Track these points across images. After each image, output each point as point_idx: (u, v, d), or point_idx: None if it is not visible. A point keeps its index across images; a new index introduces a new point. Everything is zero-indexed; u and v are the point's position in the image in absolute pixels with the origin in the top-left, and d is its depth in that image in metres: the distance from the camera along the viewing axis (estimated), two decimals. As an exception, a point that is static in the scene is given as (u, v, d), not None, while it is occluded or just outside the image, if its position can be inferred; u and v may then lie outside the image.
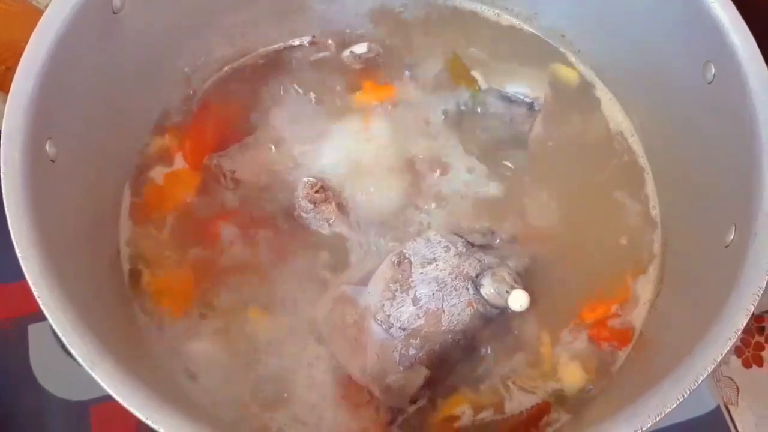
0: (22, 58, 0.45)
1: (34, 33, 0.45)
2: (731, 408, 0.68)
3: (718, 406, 0.66)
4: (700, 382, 0.40)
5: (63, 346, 0.60)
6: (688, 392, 0.40)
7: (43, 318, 0.62)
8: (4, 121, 0.43)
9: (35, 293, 0.39)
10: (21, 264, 0.40)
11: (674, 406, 0.39)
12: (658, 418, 0.39)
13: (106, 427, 0.61)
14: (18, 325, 0.64)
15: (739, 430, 0.67)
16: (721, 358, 0.40)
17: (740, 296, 0.41)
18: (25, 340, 0.63)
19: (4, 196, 0.41)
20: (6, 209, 0.41)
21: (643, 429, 0.39)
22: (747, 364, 0.73)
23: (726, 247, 0.45)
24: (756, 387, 0.71)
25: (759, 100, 0.45)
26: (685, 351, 0.42)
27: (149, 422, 0.36)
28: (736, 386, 0.71)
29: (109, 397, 0.59)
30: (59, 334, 0.39)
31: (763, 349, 0.73)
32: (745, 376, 0.72)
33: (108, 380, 0.37)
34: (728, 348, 0.40)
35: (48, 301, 0.39)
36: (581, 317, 0.56)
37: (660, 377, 0.41)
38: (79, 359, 0.38)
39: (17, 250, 0.40)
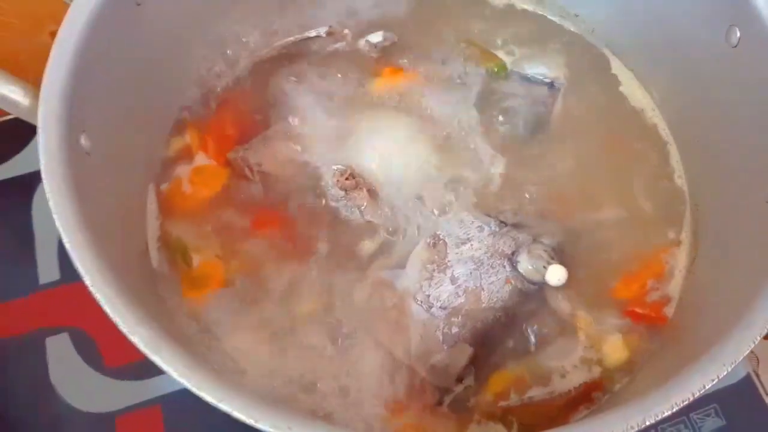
0: (52, 52, 0.44)
1: (62, 26, 0.45)
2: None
3: (748, 374, 0.66)
4: (752, 346, 0.39)
5: (85, 358, 0.61)
6: (740, 358, 0.39)
7: (62, 330, 0.62)
8: (39, 115, 0.42)
9: (87, 282, 0.38)
10: (68, 247, 0.39)
11: (724, 374, 0.38)
12: (710, 385, 0.38)
13: (133, 438, 0.59)
14: (35, 339, 0.62)
15: (769, 396, 0.67)
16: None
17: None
18: (43, 354, 0.61)
19: (46, 189, 0.40)
20: (49, 196, 0.40)
21: (695, 396, 0.38)
22: (764, 336, 0.74)
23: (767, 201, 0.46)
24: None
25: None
26: (730, 319, 0.42)
27: (223, 405, 0.35)
28: (756, 357, 0.72)
29: (134, 407, 0.59)
30: (117, 322, 0.37)
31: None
32: (764, 347, 0.73)
33: (174, 365, 0.36)
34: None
35: (101, 287, 0.37)
36: (616, 294, 0.55)
37: (705, 346, 0.41)
38: (141, 346, 0.36)
39: (64, 237, 0.39)
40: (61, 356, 0.61)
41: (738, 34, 0.50)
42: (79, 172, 0.42)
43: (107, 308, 0.37)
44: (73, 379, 0.60)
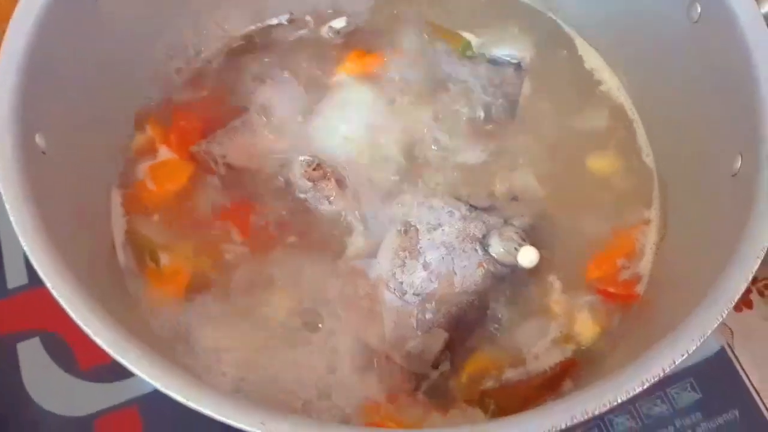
0: (2, 49, 0.43)
1: (11, 22, 0.44)
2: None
3: (722, 348, 0.67)
4: (720, 320, 0.39)
5: (58, 362, 0.60)
6: (708, 333, 0.38)
7: (33, 335, 0.61)
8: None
9: (48, 285, 0.37)
10: (27, 252, 0.38)
11: (693, 349, 0.38)
12: (679, 360, 0.38)
13: (112, 439, 0.58)
14: (6, 345, 0.61)
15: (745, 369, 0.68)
16: (747, 283, 0.40)
17: (761, 215, 0.41)
18: (15, 360, 0.60)
19: (1, 189, 0.39)
20: (5, 201, 0.39)
21: (665, 372, 0.37)
22: (737, 309, 0.75)
23: (733, 176, 0.46)
24: (748, 329, 0.72)
25: (750, 32, 0.46)
26: (699, 294, 0.42)
27: (191, 404, 0.34)
28: (730, 330, 0.73)
29: (112, 409, 0.58)
30: (82, 325, 0.36)
31: (750, 292, 0.75)
32: (737, 320, 0.73)
33: (141, 366, 0.35)
34: (754, 270, 0.40)
35: (62, 290, 0.37)
36: (588, 273, 0.56)
37: (677, 320, 0.41)
38: (105, 347, 0.36)
39: (21, 240, 0.38)
40: (33, 361, 0.60)
41: (699, 10, 0.50)
42: (35, 173, 0.42)
43: (70, 311, 0.36)
44: (48, 384, 0.59)
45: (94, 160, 0.52)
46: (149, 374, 0.35)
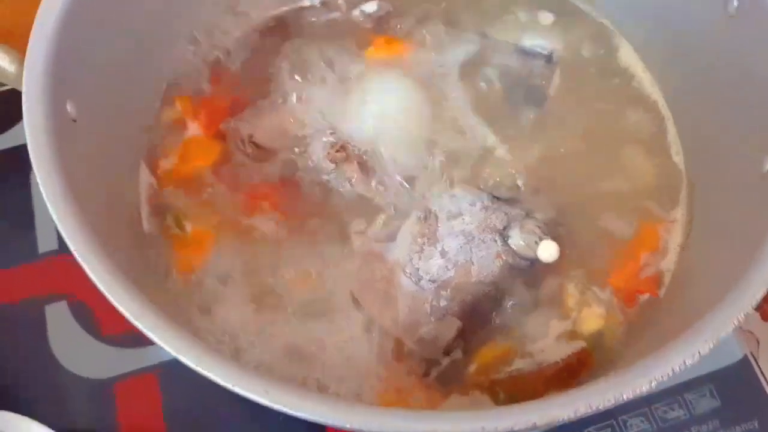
0: (36, 18, 0.44)
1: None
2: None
3: (746, 356, 0.66)
4: (736, 324, 0.38)
5: (83, 325, 0.61)
6: (723, 335, 0.38)
7: (60, 298, 0.63)
8: (24, 80, 0.42)
9: (73, 250, 0.38)
10: (55, 219, 0.39)
11: (707, 351, 0.37)
12: (691, 361, 0.37)
13: (131, 404, 0.60)
14: (35, 307, 0.63)
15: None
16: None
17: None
18: (43, 322, 0.62)
19: (31, 156, 0.40)
20: (35, 168, 0.40)
21: (674, 371, 0.37)
22: (765, 317, 0.73)
23: (762, 178, 0.45)
24: (776, 338, 0.71)
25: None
26: (720, 295, 0.41)
27: (200, 369, 0.35)
28: (756, 339, 0.71)
29: (132, 373, 0.60)
30: (102, 288, 0.37)
31: (781, 300, 0.73)
32: (764, 329, 0.72)
33: (157, 332, 0.36)
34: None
35: (87, 257, 0.38)
36: (609, 269, 0.55)
37: (699, 317, 0.40)
38: (127, 314, 0.37)
39: (50, 208, 0.39)
40: (59, 324, 0.62)
41: (735, 3, 0.49)
42: (65, 140, 0.42)
43: (93, 276, 0.37)
44: (72, 346, 0.61)
45: (123, 131, 0.53)
46: (162, 337, 0.36)
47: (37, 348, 0.61)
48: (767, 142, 0.46)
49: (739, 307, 0.39)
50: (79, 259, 0.38)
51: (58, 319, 0.62)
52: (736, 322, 0.38)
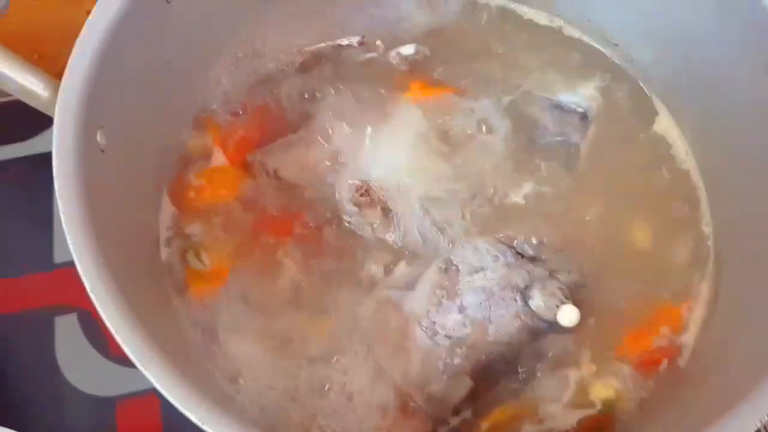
0: (75, 47, 0.44)
1: (88, 20, 0.45)
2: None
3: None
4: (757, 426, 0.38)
5: (91, 341, 0.61)
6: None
7: (71, 311, 0.62)
8: (57, 108, 0.42)
9: (86, 284, 0.38)
10: (72, 252, 0.39)
11: None
12: None
13: (131, 424, 0.60)
14: (45, 317, 0.63)
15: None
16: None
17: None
18: (51, 333, 0.62)
19: (56, 184, 0.40)
20: (57, 195, 0.40)
21: None
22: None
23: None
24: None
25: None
26: (742, 382, 0.40)
27: (202, 425, 0.35)
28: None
29: (135, 393, 0.59)
30: (110, 327, 0.37)
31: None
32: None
33: (160, 379, 0.36)
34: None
35: (100, 292, 0.37)
36: (628, 339, 0.54)
37: (715, 405, 0.40)
38: (131, 355, 0.36)
39: (68, 239, 0.39)
40: (68, 336, 0.62)
41: (776, 81, 0.48)
42: (92, 170, 0.42)
43: (102, 313, 0.37)
44: (78, 361, 0.61)
45: (149, 159, 0.53)
46: (167, 390, 0.35)
47: (43, 359, 0.61)
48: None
49: (761, 410, 0.37)
50: (92, 296, 0.37)
51: (67, 331, 0.62)
52: (756, 425, 0.37)
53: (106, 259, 0.40)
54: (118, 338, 0.37)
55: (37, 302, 0.63)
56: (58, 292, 0.64)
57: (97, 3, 0.46)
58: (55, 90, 0.42)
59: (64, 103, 0.42)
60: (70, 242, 0.39)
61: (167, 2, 0.50)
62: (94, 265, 0.38)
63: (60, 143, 0.41)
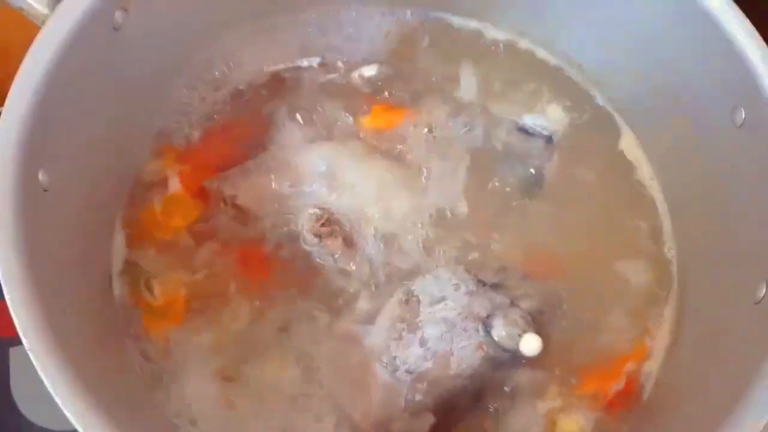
0: (14, 83, 0.42)
1: (26, 57, 0.42)
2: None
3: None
4: None
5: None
6: None
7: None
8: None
9: (24, 342, 0.36)
10: (8, 304, 0.37)
11: None
12: None
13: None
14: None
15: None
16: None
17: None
18: (6, 365, 0.60)
19: (-7, 231, 0.38)
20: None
21: None
22: None
23: (756, 303, 0.43)
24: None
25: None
26: (706, 414, 0.41)
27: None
28: None
29: (93, 426, 0.58)
30: (51, 391, 0.35)
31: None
32: None
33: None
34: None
35: (39, 353, 0.36)
36: (591, 369, 0.53)
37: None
38: (73, 420, 0.35)
39: (5, 290, 0.37)
40: (23, 368, 0.60)
41: (743, 115, 0.48)
42: (33, 214, 0.40)
43: (42, 374, 0.35)
44: (34, 393, 0.59)
45: (100, 191, 0.51)
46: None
47: (-3, 391, 0.59)
48: (763, 268, 0.44)
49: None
50: (31, 355, 0.35)
51: (22, 362, 0.60)
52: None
53: (48, 309, 0.38)
54: (59, 401, 0.35)
55: (-10, 333, 0.61)
56: (11, 322, 0.62)
57: (38, 37, 0.43)
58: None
59: (2, 143, 0.40)
60: (7, 297, 0.37)
61: (115, 30, 0.47)
62: (33, 323, 0.36)
63: (-4, 192, 0.39)
